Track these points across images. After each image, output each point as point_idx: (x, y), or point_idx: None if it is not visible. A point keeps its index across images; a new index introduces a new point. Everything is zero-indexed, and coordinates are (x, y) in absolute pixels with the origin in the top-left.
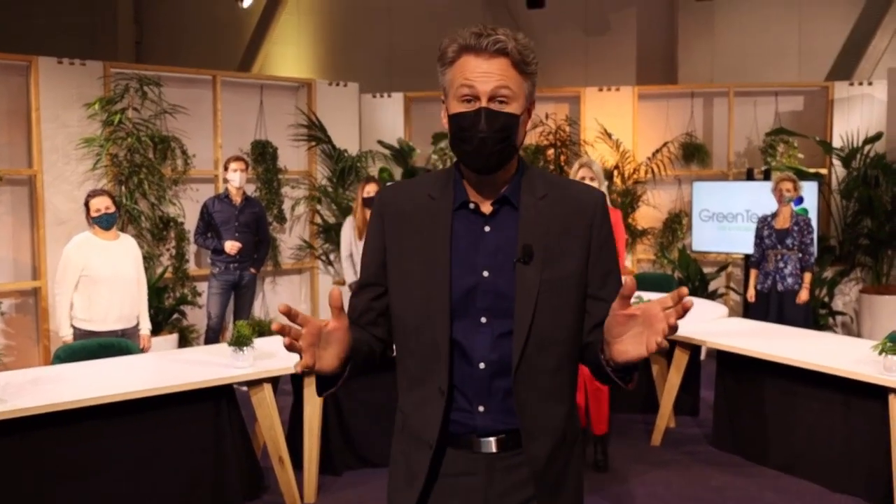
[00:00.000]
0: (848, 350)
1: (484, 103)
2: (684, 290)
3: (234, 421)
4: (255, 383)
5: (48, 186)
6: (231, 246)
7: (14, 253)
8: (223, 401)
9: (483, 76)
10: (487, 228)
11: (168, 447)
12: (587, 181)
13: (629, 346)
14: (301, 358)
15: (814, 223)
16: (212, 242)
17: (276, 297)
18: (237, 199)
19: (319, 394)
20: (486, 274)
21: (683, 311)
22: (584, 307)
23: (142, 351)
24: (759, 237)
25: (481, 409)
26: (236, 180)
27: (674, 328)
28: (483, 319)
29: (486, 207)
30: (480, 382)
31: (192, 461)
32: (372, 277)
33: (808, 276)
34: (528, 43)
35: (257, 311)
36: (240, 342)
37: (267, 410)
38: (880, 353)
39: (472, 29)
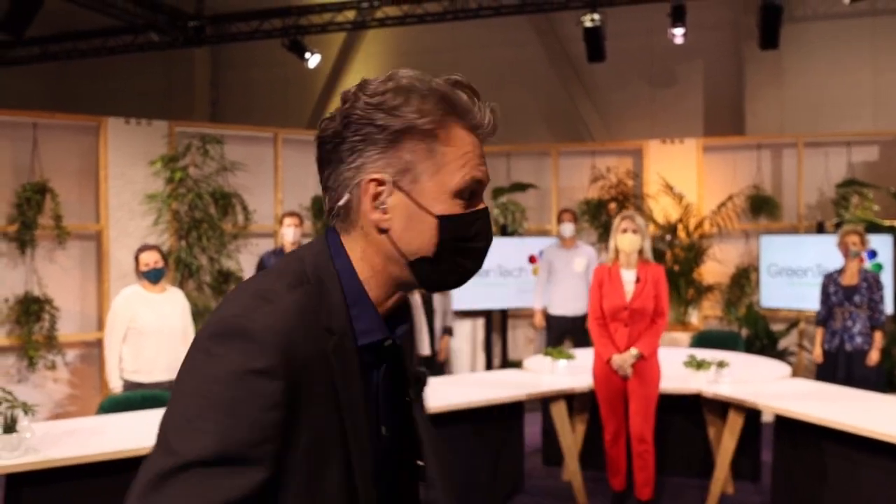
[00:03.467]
0: None
1: (482, 202)
2: None
3: None
4: None
5: (113, 241)
6: None
7: (80, 305)
8: None
9: (483, 161)
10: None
11: None
12: (629, 233)
13: None
14: None
15: (889, 278)
16: None
17: None
18: None
19: None
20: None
21: None
22: None
23: None
24: (825, 293)
25: None
26: (290, 235)
27: None
28: None
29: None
30: None
31: None
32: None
33: (878, 336)
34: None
35: None
36: None
37: None
38: None
39: (448, 80)
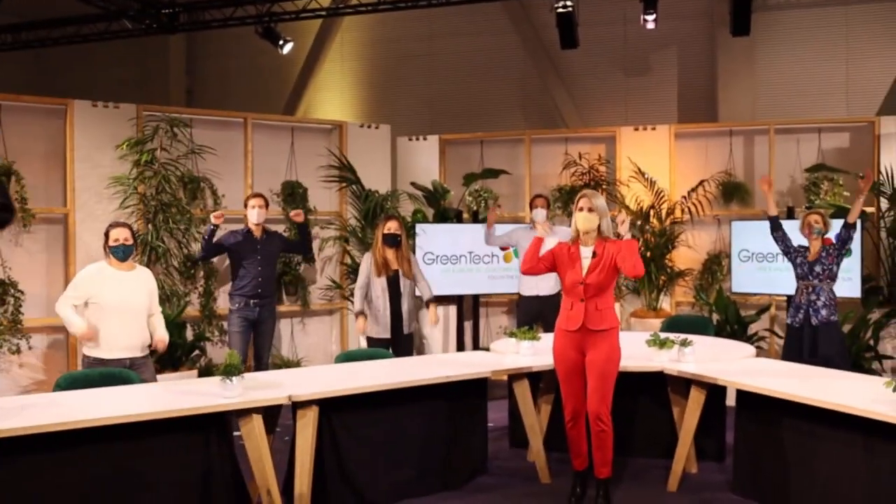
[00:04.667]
0: (871, 389)
1: None
2: None
3: (225, 453)
4: (244, 413)
5: (80, 224)
6: (217, 215)
7: (46, 289)
8: (213, 432)
9: None
10: None
11: (154, 478)
12: (585, 212)
13: None
14: None
15: (857, 263)
16: (207, 230)
17: (305, 337)
18: (258, 234)
19: None
20: None
21: None
22: None
23: (153, 352)
24: (791, 250)
25: None
26: (254, 217)
27: None
28: None
29: None
30: None
31: (177, 493)
32: None
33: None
34: None
35: (286, 351)
36: (228, 372)
37: (255, 442)
38: (894, 390)
39: None
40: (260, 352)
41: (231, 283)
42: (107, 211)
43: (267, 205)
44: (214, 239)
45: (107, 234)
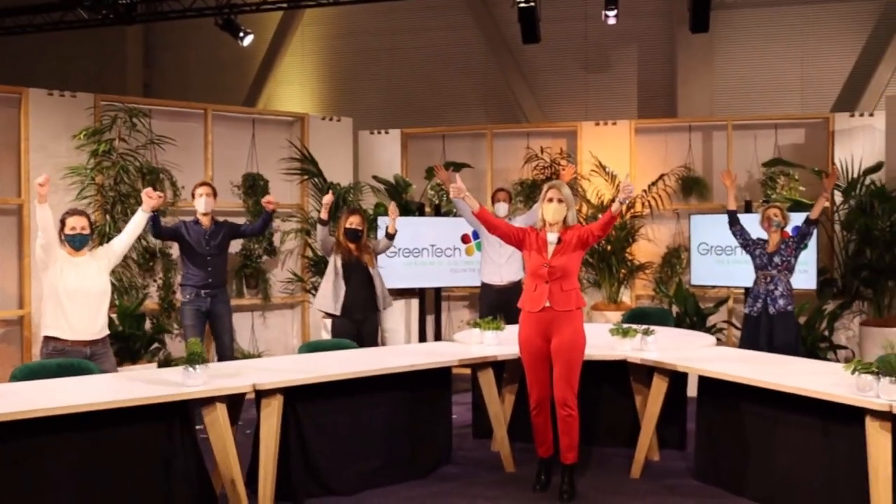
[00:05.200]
0: (829, 374)
1: None
2: None
3: (188, 444)
4: (207, 403)
5: (34, 215)
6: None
7: (0, 282)
8: (176, 422)
9: None
10: None
11: (116, 470)
12: (555, 203)
13: None
14: None
15: (813, 255)
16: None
17: (266, 331)
18: (206, 224)
19: None
20: None
21: None
22: None
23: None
24: (750, 242)
25: None
26: (202, 206)
27: None
28: None
29: None
30: None
31: (139, 483)
32: None
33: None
34: None
35: (246, 344)
36: (191, 360)
37: (219, 431)
38: (853, 373)
39: None
40: (221, 346)
41: (181, 275)
42: (63, 202)
43: (215, 194)
44: (162, 223)
45: (63, 222)
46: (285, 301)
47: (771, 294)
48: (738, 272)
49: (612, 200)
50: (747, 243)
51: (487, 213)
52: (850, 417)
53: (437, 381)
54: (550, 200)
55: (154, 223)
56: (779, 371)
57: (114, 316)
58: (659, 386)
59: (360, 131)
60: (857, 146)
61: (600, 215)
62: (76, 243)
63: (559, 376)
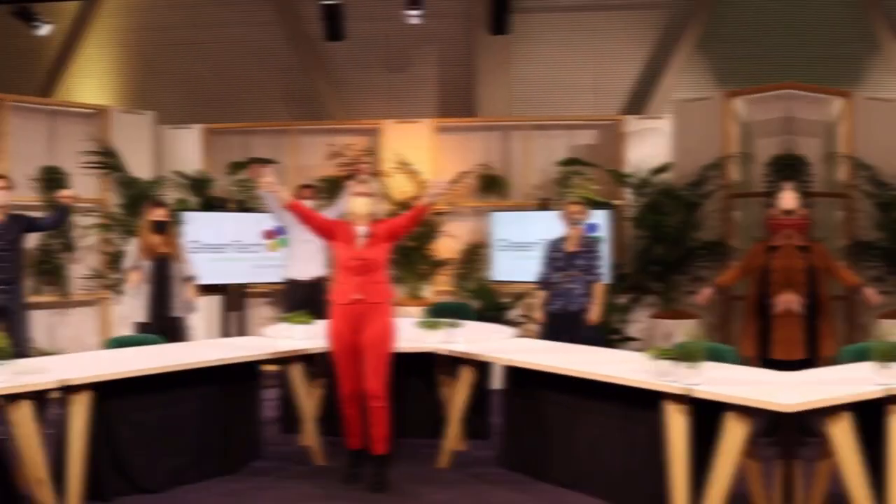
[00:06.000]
0: (629, 362)
1: None
2: None
3: None
4: (12, 400)
5: None
6: None
7: None
8: None
9: None
10: None
11: None
12: (362, 197)
13: None
14: None
15: (607, 249)
16: None
17: (65, 329)
18: (1, 218)
19: None
20: None
21: None
22: None
23: None
24: (547, 258)
25: None
26: None
27: None
28: None
29: None
30: None
31: None
32: None
33: (598, 288)
34: None
35: (44, 343)
36: None
37: (26, 429)
38: (654, 360)
39: None
40: (17, 345)
41: None
42: None
43: (10, 186)
44: None
45: None
46: (85, 298)
47: (571, 293)
48: (537, 267)
49: (415, 197)
50: (550, 260)
51: (300, 204)
52: (648, 403)
53: (246, 375)
54: (359, 194)
55: None
56: (582, 360)
57: None
58: (466, 377)
59: (161, 126)
60: (647, 147)
61: (403, 212)
62: None
63: (370, 368)
